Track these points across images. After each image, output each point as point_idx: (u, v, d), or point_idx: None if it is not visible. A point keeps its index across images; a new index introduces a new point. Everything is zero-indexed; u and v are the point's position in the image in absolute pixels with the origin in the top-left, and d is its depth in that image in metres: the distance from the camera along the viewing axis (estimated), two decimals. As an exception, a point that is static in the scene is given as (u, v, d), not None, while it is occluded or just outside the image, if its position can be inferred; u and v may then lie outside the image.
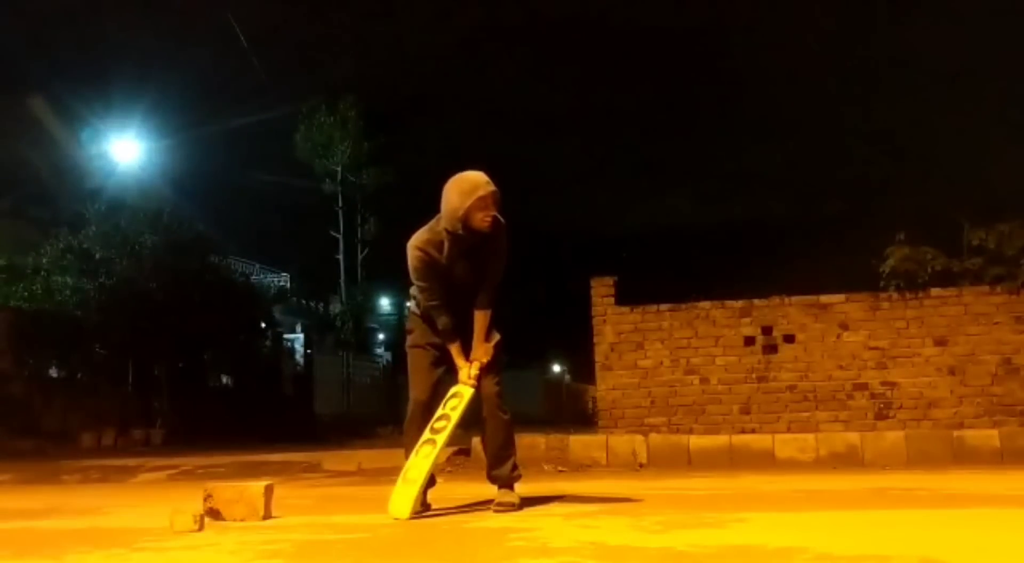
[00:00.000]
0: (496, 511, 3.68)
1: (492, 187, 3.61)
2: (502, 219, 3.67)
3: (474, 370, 3.71)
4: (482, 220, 3.58)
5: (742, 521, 3.21)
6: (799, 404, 7.35)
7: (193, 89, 37.22)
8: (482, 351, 3.73)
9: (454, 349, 3.76)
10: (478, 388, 3.76)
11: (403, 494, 3.52)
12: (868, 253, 7.82)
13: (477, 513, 3.71)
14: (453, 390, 3.76)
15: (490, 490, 4.00)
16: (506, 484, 3.82)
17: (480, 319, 3.73)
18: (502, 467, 3.81)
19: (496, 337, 3.80)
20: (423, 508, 3.69)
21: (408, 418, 3.81)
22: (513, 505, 3.71)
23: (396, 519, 3.44)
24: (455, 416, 3.67)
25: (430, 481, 3.73)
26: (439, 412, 3.71)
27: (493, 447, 3.82)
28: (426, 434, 3.66)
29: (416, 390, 3.83)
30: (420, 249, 3.68)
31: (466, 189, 3.57)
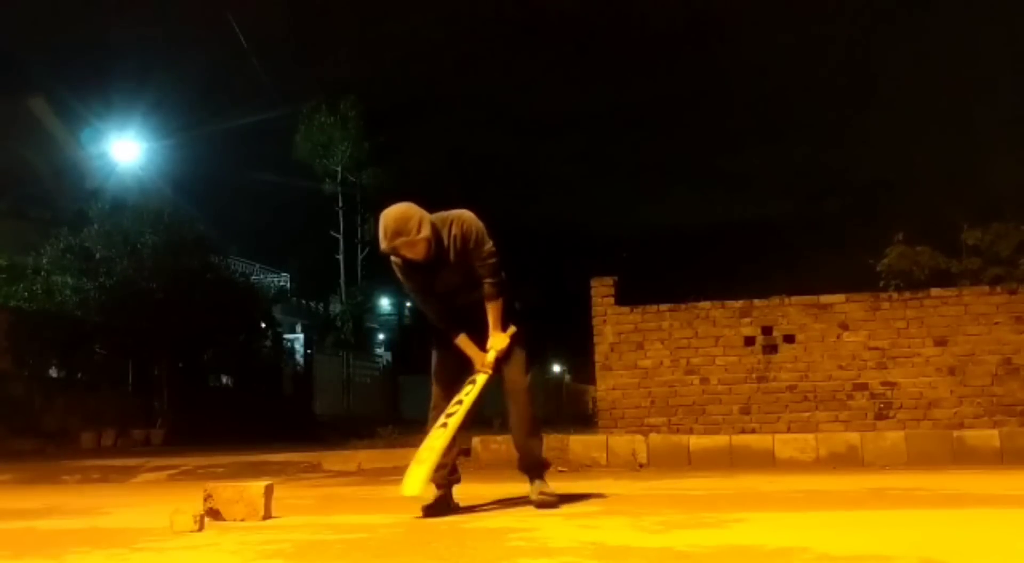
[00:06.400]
0: (537, 502, 3.71)
1: (401, 237, 3.52)
2: (430, 240, 3.56)
3: (490, 357, 3.74)
4: (412, 255, 3.60)
5: (742, 521, 3.21)
6: (799, 404, 7.34)
7: (193, 89, 37.17)
8: (498, 339, 3.76)
9: (461, 341, 3.78)
10: (500, 377, 3.79)
11: (414, 474, 3.53)
12: (868, 253, 7.82)
13: (477, 513, 3.72)
14: (470, 378, 3.79)
15: (489, 490, 4.02)
16: (538, 474, 3.84)
17: (491, 309, 3.76)
18: (532, 456, 3.85)
19: (512, 329, 3.82)
20: (448, 507, 3.72)
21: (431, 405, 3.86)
22: (554, 495, 3.75)
23: (408, 496, 3.46)
24: (468, 402, 3.69)
25: (456, 479, 3.79)
26: (455, 398, 3.73)
27: (520, 437, 3.85)
28: (440, 418, 3.69)
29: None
30: (394, 259, 3.71)
31: (386, 234, 3.55)
